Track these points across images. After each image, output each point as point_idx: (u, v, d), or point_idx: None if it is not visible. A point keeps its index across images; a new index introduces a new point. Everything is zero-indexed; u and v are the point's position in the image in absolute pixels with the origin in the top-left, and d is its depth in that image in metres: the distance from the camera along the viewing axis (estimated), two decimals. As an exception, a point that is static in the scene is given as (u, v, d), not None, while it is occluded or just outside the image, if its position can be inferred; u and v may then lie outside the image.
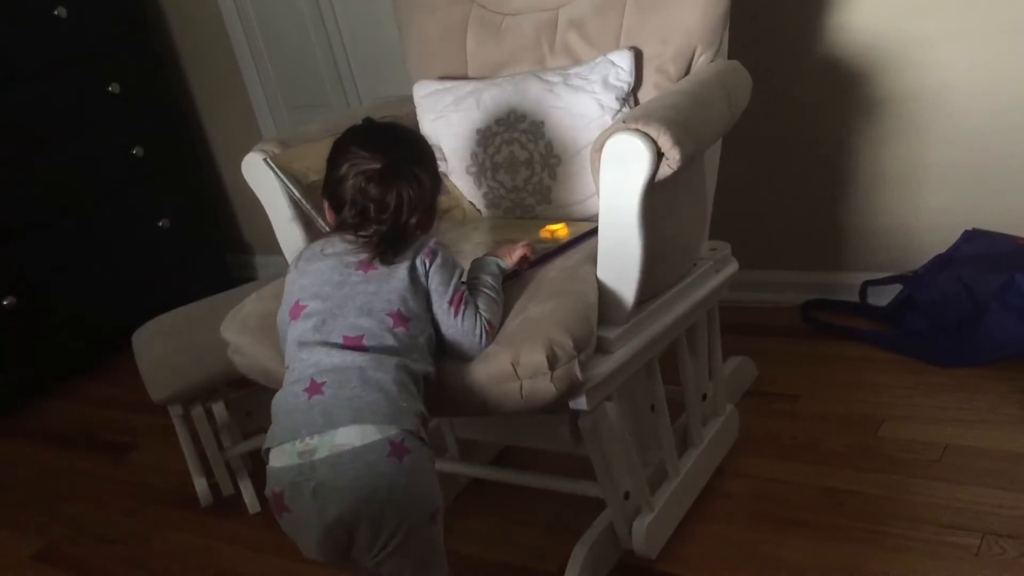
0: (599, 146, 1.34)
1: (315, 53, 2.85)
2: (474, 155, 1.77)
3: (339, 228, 1.33)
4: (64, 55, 2.80)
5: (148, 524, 2.05)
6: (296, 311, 1.29)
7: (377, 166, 1.29)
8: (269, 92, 3.02)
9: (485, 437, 1.77)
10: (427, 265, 1.29)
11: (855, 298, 2.24)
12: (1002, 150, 1.99)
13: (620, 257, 1.37)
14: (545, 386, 1.26)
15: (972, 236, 2.02)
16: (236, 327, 1.57)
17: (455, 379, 1.31)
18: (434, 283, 1.29)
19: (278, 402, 1.23)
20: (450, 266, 1.31)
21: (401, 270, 1.28)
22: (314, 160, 1.60)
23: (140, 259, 3.00)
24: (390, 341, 1.23)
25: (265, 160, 1.64)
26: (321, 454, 1.14)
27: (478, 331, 1.30)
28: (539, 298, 1.36)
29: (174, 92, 3.18)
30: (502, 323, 1.34)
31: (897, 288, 2.15)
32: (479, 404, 1.32)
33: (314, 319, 1.26)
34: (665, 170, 1.32)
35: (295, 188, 1.63)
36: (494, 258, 1.41)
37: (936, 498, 1.58)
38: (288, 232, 1.69)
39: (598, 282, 1.40)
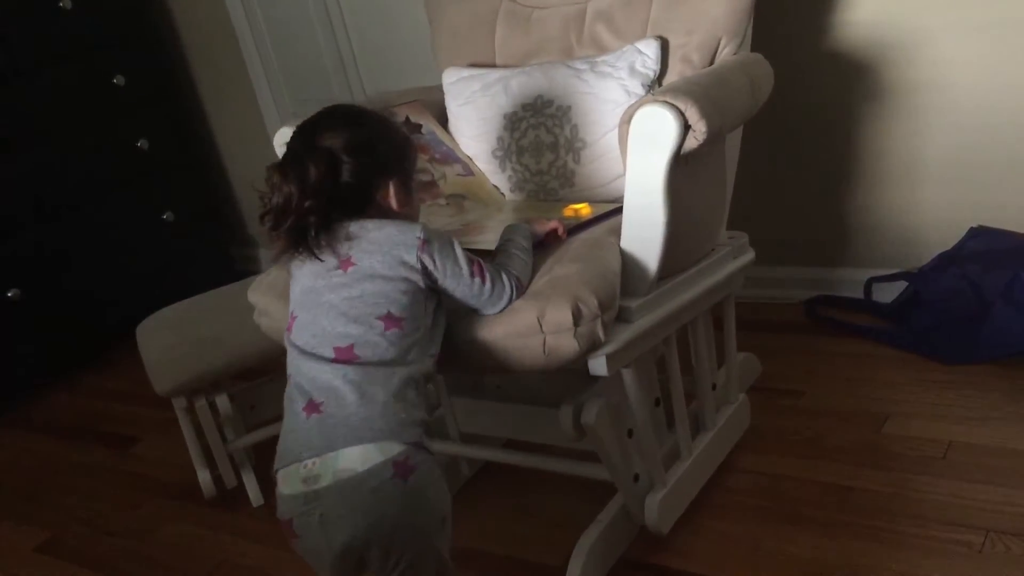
0: (628, 118, 1.37)
1: (320, 46, 2.84)
2: (500, 139, 1.80)
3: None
4: (68, 47, 2.80)
5: (151, 516, 2.05)
6: (290, 324, 1.27)
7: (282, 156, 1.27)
8: (274, 86, 3.02)
9: (488, 431, 1.77)
10: (430, 259, 1.24)
11: (860, 295, 2.24)
12: (1008, 146, 1.98)
13: (644, 228, 1.40)
14: (568, 342, 1.28)
15: (978, 233, 2.02)
16: (263, 290, 1.58)
17: (476, 334, 1.31)
18: (448, 270, 1.26)
19: (285, 415, 1.21)
20: (448, 244, 1.27)
21: (386, 266, 1.23)
22: None
23: (144, 252, 3.00)
24: (383, 347, 1.19)
25: None
26: (324, 482, 1.12)
27: (508, 292, 1.30)
28: (565, 261, 1.39)
29: (179, 84, 3.18)
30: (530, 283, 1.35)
31: (902, 285, 2.15)
32: (500, 359, 1.33)
33: (305, 332, 1.23)
34: (692, 142, 1.35)
35: None
36: (526, 224, 1.42)
37: (940, 495, 1.58)
38: None
39: (622, 252, 1.42)
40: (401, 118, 1.78)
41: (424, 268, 1.24)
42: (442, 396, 1.77)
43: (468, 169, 1.82)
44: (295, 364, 1.23)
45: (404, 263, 1.23)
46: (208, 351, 1.92)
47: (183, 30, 3.15)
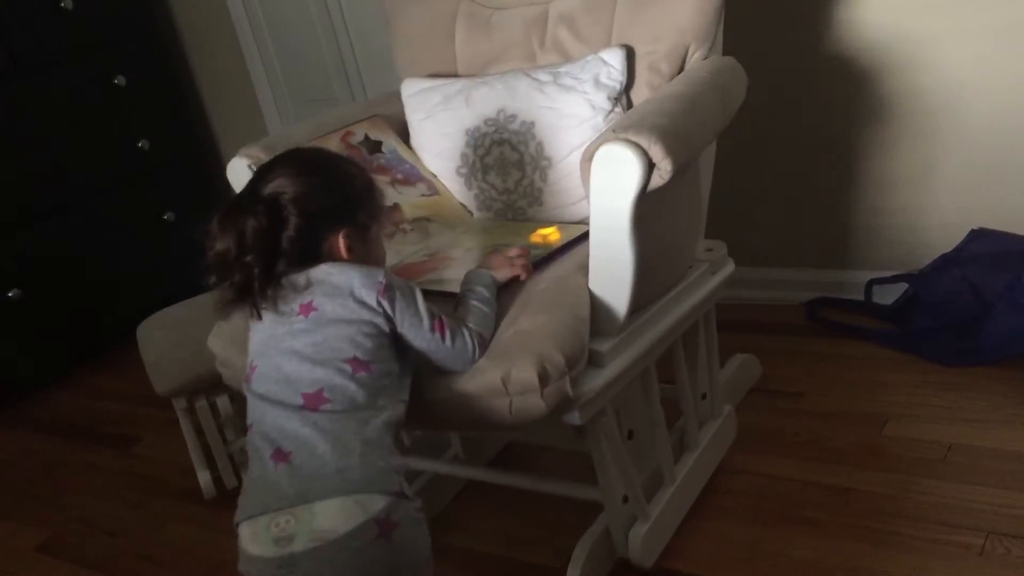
0: (589, 156, 1.32)
1: (321, 47, 2.84)
2: (464, 156, 1.74)
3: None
4: (69, 47, 2.80)
5: (152, 516, 2.05)
6: (250, 373, 1.22)
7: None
8: (275, 85, 3.02)
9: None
10: (389, 304, 1.20)
11: (861, 296, 2.23)
12: (1009, 149, 1.98)
13: (612, 268, 1.35)
14: (535, 402, 1.25)
15: (978, 235, 2.02)
16: (223, 340, 1.54)
17: (442, 394, 1.28)
18: (406, 319, 1.21)
19: (250, 463, 1.17)
20: (410, 294, 1.23)
21: (348, 310, 1.19)
22: None
23: (145, 252, 3.00)
24: (353, 390, 1.14)
25: (250, 167, 1.63)
26: (300, 544, 1.06)
27: (470, 349, 1.26)
28: (530, 310, 1.33)
29: (180, 85, 3.18)
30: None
31: (903, 287, 2.14)
32: (467, 419, 1.30)
33: (267, 380, 1.18)
34: (657, 180, 1.30)
35: None
36: (488, 271, 1.37)
37: (941, 497, 1.58)
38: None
39: (590, 293, 1.37)
40: (360, 137, 1.74)
41: (385, 312, 1.20)
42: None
43: (433, 188, 1.77)
44: (258, 413, 1.18)
45: (365, 305, 1.20)
46: (208, 352, 1.92)
47: (184, 30, 3.15)
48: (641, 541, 1.53)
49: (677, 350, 1.62)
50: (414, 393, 1.26)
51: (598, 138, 1.33)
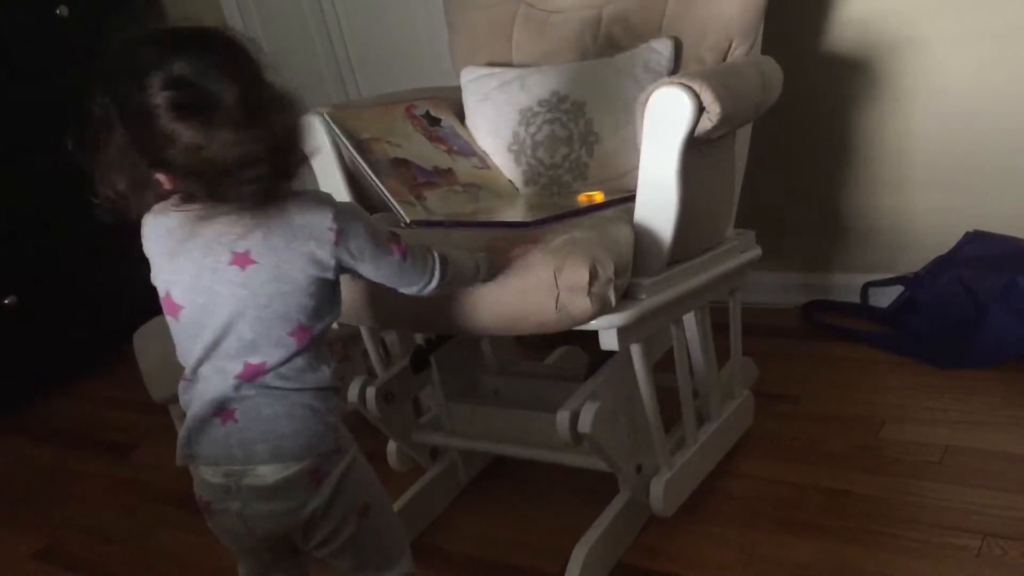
0: (644, 99, 1.40)
1: (317, 53, 2.85)
2: (515, 134, 1.85)
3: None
4: (66, 54, 2.80)
5: (149, 523, 2.05)
6: (171, 308, 1.12)
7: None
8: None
9: (485, 436, 1.77)
10: (347, 253, 1.10)
11: (856, 299, 2.24)
12: (1003, 152, 1.99)
13: (658, 207, 1.42)
14: (581, 301, 1.30)
15: (973, 238, 2.02)
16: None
17: (486, 287, 1.34)
18: (367, 255, 1.12)
19: (193, 412, 1.13)
20: (360, 222, 1.12)
21: (296, 267, 1.08)
22: (367, 120, 1.72)
23: (142, 259, 2.98)
24: (297, 365, 1.10)
25: (322, 115, 1.67)
26: (245, 480, 1.12)
27: (429, 268, 1.19)
28: (581, 228, 1.42)
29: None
30: None
31: (898, 289, 2.15)
32: (507, 316, 1.35)
33: (202, 332, 1.10)
34: (706, 124, 1.37)
35: (350, 143, 1.66)
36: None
37: (937, 499, 1.58)
38: (337, 196, 1.70)
39: (635, 231, 1.44)
40: (422, 110, 1.84)
41: (339, 264, 1.11)
42: (439, 400, 1.77)
43: (484, 163, 1.86)
44: (190, 356, 1.13)
45: (317, 262, 1.09)
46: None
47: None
48: (663, 489, 1.56)
49: (700, 322, 1.65)
50: (447, 297, 1.31)
51: (652, 84, 1.41)
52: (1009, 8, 1.88)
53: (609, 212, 1.53)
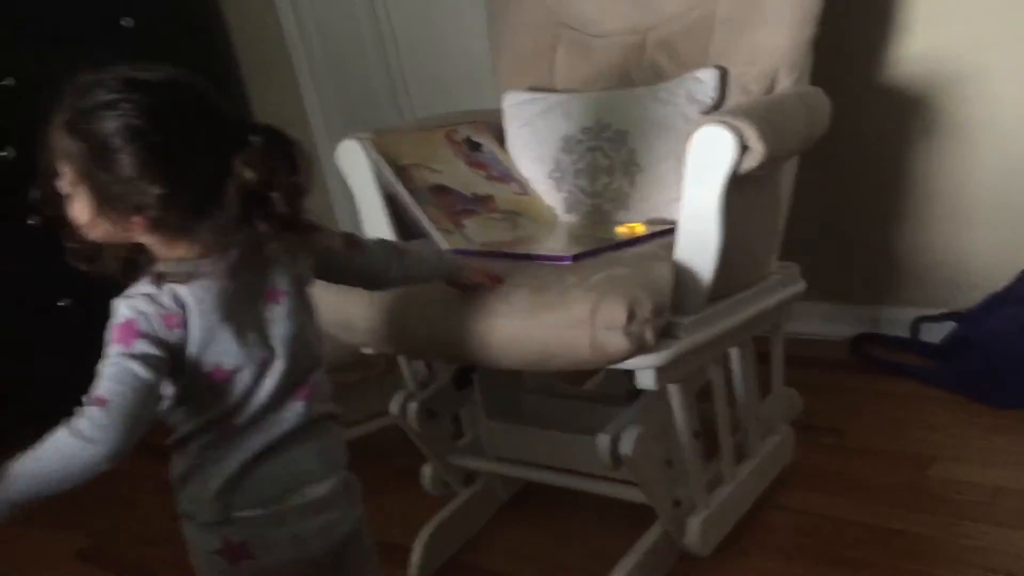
0: (687, 137, 1.39)
1: (372, 70, 2.88)
2: (557, 161, 1.84)
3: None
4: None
5: (191, 529, 2.07)
6: (222, 377, 1.04)
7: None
8: (326, 108, 3.06)
9: (524, 456, 1.76)
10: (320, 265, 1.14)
11: (907, 334, 2.20)
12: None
13: (699, 245, 1.41)
14: (617, 340, 1.29)
15: (1028, 275, 1.98)
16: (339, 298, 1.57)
17: (517, 325, 1.34)
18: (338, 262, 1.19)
19: (238, 460, 1.09)
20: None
21: (304, 293, 1.10)
22: (407, 146, 1.73)
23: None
24: (327, 385, 1.13)
25: (361, 141, 1.69)
26: (291, 502, 1.11)
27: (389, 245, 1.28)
28: (620, 265, 1.41)
29: (235, 104, 3.24)
30: None
31: (950, 325, 2.11)
32: (540, 352, 1.34)
33: (263, 380, 1.06)
34: (749, 162, 1.36)
35: (391, 170, 1.67)
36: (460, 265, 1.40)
37: (985, 542, 1.53)
38: (376, 221, 1.74)
39: (674, 268, 1.42)
40: (463, 135, 1.84)
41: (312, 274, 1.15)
42: (479, 418, 1.77)
43: (524, 189, 1.86)
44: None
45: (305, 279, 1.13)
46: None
47: (240, 52, 3.20)
48: (700, 527, 1.54)
49: (742, 359, 1.63)
50: (479, 333, 1.35)
51: (697, 121, 1.42)
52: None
53: (649, 247, 1.52)
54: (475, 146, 1.86)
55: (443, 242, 1.62)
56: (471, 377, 1.74)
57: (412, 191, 1.66)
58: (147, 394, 0.99)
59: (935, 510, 1.64)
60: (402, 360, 1.75)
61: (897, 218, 2.17)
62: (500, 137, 1.94)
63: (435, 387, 1.73)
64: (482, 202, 1.76)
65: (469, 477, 1.84)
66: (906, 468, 1.76)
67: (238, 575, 1.12)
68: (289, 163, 0.99)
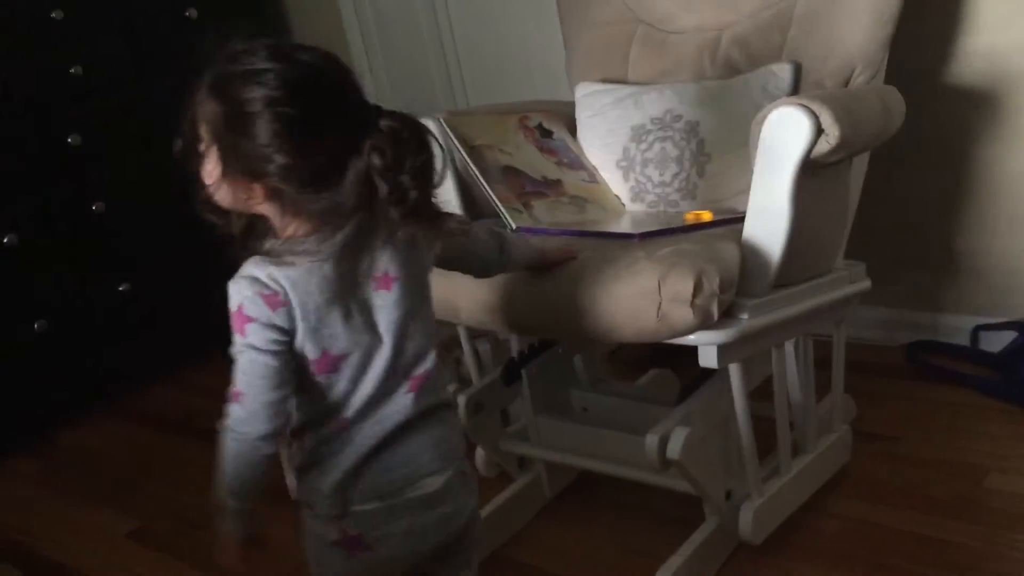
0: (761, 119, 1.38)
1: (428, 60, 2.90)
2: (625, 150, 1.85)
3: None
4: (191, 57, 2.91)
5: (239, 513, 2.10)
6: (329, 364, 1.05)
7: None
8: (383, 101, 3.08)
9: (571, 452, 1.76)
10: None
11: (965, 342, 2.16)
12: None
13: (767, 229, 1.40)
14: (683, 312, 1.30)
15: (1095, 286, 1.93)
16: None
17: (584, 293, 1.35)
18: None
19: (356, 452, 1.10)
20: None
21: (420, 280, 1.10)
22: (480, 128, 1.76)
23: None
24: (437, 374, 1.12)
25: (439, 120, 1.70)
26: (407, 495, 1.11)
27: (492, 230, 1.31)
28: (689, 241, 1.43)
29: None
30: None
31: (1011, 335, 2.06)
32: (607, 321, 1.36)
33: (370, 368, 1.07)
34: (823, 146, 1.35)
35: (464, 149, 1.69)
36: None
37: (1038, 555, 1.51)
38: (445, 199, 1.74)
39: (741, 250, 1.42)
40: (535, 122, 1.87)
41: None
42: (528, 414, 1.77)
43: (592, 177, 1.88)
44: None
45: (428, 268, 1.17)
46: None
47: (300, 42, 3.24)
48: (753, 515, 1.53)
49: (800, 354, 1.63)
50: (549, 301, 1.37)
51: (771, 104, 1.39)
52: None
53: (717, 230, 1.52)
54: (547, 133, 1.88)
55: (512, 221, 1.64)
56: (520, 373, 1.75)
57: (483, 170, 1.69)
58: (275, 375, 1.02)
59: (990, 522, 1.61)
60: (464, 341, 1.79)
61: (959, 222, 2.13)
62: (572, 128, 1.96)
63: (484, 382, 1.73)
64: (551, 186, 1.78)
65: (522, 462, 1.86)
66: (961, 479, 1.74)
67: (355, 566, 1.13)
68: (420, 150, 1.01)
